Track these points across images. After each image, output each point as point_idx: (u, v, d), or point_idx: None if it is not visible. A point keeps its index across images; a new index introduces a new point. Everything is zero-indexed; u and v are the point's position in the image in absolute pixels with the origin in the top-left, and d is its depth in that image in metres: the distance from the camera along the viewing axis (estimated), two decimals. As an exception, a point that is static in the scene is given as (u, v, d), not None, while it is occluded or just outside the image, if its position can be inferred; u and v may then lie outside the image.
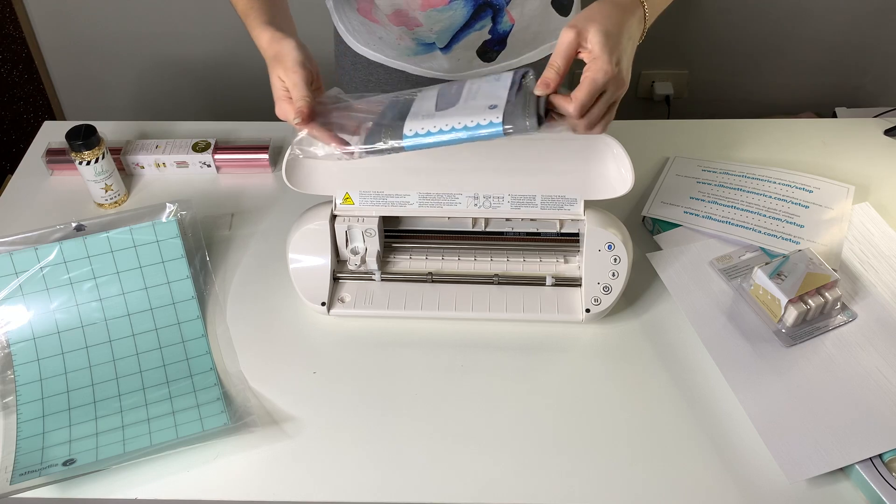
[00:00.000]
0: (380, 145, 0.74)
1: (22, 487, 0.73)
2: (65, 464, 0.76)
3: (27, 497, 0.74)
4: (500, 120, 0.70)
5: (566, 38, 0.71)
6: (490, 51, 1.06)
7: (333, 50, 1.21)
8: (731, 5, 1.93)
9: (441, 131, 0.72)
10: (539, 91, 0.71)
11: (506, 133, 0.70)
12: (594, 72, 0.70)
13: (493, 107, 0.72)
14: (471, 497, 0.74)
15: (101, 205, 1.04)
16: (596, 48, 0.70)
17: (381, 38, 1.08)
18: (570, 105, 0.70)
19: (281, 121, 1.15)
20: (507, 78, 0.75)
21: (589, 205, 0.87)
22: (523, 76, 0.75)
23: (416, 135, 0.73)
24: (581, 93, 0.70)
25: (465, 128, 0.72)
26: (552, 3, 1.06)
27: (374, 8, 1.04)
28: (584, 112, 0.71)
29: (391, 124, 0.75)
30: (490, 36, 1.04)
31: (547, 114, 0.72)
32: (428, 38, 1.05)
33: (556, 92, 0.71)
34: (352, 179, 0.88)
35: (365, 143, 0.74)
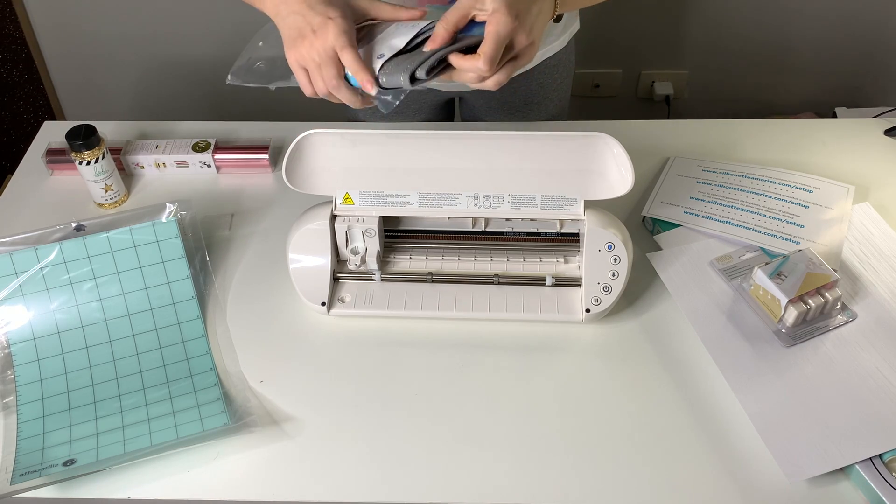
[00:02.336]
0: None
1: (22, 488, 0.73)
2: (65, 464, 0.76)
3: (27, 497, 0.74)
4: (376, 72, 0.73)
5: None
6: None
7: None
8: (730, 5, 1.93)
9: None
10: (428, 45, 0.72)
11: (381, 85, 0.73)
12: (495, 24, 0.71)
13: (380, 56, 0.74)
14: (471, 497, 0.74)
15: (101, 205, 1.04)
16: (494, 3, 0.71)
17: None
18: (478, 61, 0.71)
19: (281, 121, 1.16)
20: (417, 27, 0.75)
21: (589, 205, 0.87)
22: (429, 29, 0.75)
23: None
24: (487, 47, 0.71)
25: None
26: None
27: None
28: (493, 65, 0.72)
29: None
30: None
31: (432, 71, 0.73)
32: None
33: (447, 47, 0.72)
34: (352, 179, 0.88)
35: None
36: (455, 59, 0.74)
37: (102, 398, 0.83)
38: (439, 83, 1.07)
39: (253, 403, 0.81)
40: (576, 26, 1.15)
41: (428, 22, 0.76)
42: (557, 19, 1.08)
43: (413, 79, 0.73)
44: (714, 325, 0.85)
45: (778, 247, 0.92)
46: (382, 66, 0.74)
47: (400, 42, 0.74)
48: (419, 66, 0.73)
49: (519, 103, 1.18)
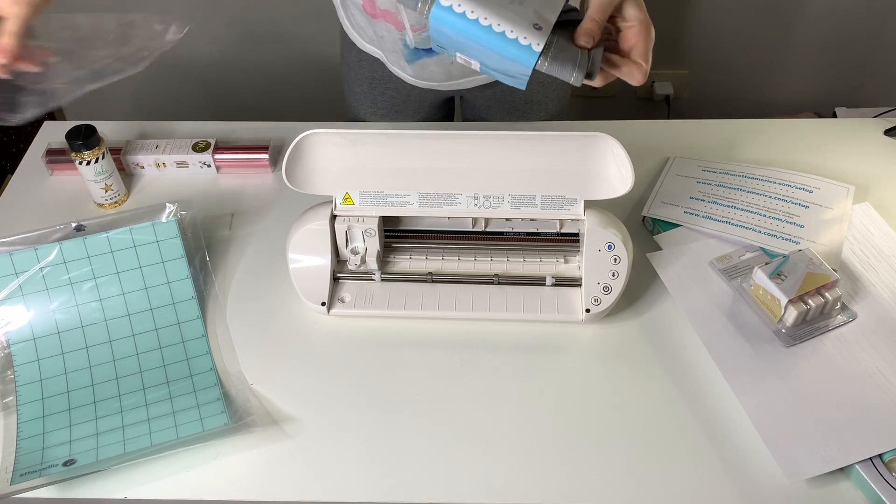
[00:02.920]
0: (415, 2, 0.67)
1: (22, 488, 0.73)
2: (65, 464, 0.76)
3: (27, 497, 0.74)
4: (539, 50, 0.65)
5: (609, 1, 0.70)
6: None
7: (340, 46, 1.21)
8: (731, 5, 1.93)
9: (475, 22, 0.65)
10: (584, 42, 0.68)
11: (537, 68, 0.66)
12: (647, 38, 0.72)
13: (537, 27, 0.65)
14: (471, 497, 0.74)
15: (101, 205, 1.04)
16: (641, 16, 0.72)
17: (382, 36, 1.08)
18: (641, 74, 0.72)
19: (281, 121, 1.16)
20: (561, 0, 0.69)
21: (589, 205, 0.87)
22: (570, 9, 0.70)
23: (451, 10, 0.65)
24: (648, 59, 0.72)
25: (502, 36, 0.65)
26: None
27: (373, 2, 1.04)
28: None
29: None
30: None
31: (590, 73, 0.69)
32: (419, 43, 1.05)
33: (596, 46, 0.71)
34: (352, 179, 0.88)
35: None
36: (622, 63, 0.72)
37: (102, 398, 0.83)
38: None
39: (253, 403, 0.81)
40: None
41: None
42: None
43: (588, 75, 0.69)
44: (714, 325, 0.85)
45: (778, 247, 0.92)
46: (547, 47, 0.66)
47: (553, 17, 0.67)
48: (588, 62, 0.68)
49: (519, 103, 1.18)
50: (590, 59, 0.69)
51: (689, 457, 0.76)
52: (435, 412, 0.81)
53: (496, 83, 1.14)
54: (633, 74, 0.73)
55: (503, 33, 0.66)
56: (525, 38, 0.66)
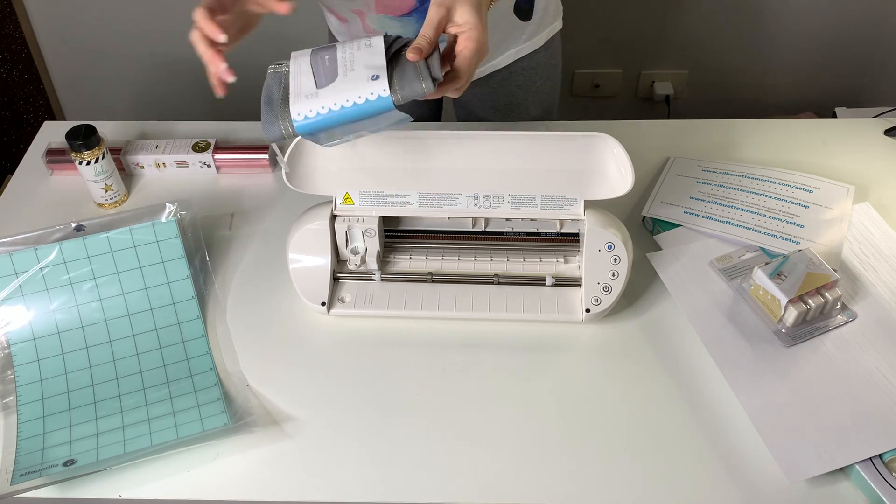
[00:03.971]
0: (279, 134, 0.73)
1: (22, 488, 0.73)
2: (65, 464, 0.76)
3: (28, 497, 0.74)
4: (388, 93, 0.71)
5: (437, 13, 0.74)
6: None
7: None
8: (731, 5, 1.93)
9: (330, 112, 0.72)
10: (413, 56, 0.72)
11: (396, 104, 0.71)
12: (476, 42, 0.74)
13: (375, 77, 0.72)
14: (471, 497, 0.74)
15: (101, 205, 1.04)
16: (471, 19, 0.74)
17: (354, 35, 1.08)
18: (463, 80, 0.75)
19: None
20: (379, 43, 0.75)
21: (589, 205, 0.87)
22: (394, 40, 0.75)
23: (307, 119, 0.72)
24: (472, 64, 0.74)
25: (355, 105, 0.72)
26: (514, 10, 1.05)
27: (338, 3, 1.04)
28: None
29: (280, 111, 0.74)
30: None
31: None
32: None
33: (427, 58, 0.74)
34: (352, 179, 0.88)
35: (266, 133, 0.74)
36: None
37: (102, 398, 0.83)
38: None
39: (253, 403, 0.81)
40: (556, 26, 1.14)
41: (384, 36, 0.76)
42: (525, 17, 1.07)
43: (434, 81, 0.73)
44: (714, 325, 0.85)
45: (778, 247, 0.92)
46: (391, 84, 0.73)
47: (381, 60, 0.73)
48: (428, 70, 0.73)
49: (501, 104, 1.18)
50: (427, 67, 0.73)
51: (689, 457, 0.76)
52: (435, 412, 0.81)
53: (476, 84, 1.14)
54: (452, 83, 0.75)
55: (355, 103, 0.72)
56: (372, 93, 0.72)
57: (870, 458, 0.73)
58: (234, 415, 0.80)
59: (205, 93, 2.34)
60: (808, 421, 0.76)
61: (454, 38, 0.75)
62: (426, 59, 0.73)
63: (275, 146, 0.78)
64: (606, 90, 2.10)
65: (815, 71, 2.05)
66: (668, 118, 2.04)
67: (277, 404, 0.82)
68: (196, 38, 0.79)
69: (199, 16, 0.78)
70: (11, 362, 0.84)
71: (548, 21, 1.12)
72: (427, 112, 1.26)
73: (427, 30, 0.74)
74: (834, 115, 1.87)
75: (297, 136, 0.73)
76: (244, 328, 0.89)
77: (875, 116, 1.16)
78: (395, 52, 0.74)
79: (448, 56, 0.75)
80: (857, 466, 0.72)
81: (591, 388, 0.82)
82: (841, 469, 0.73)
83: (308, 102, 0.73)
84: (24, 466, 0.76)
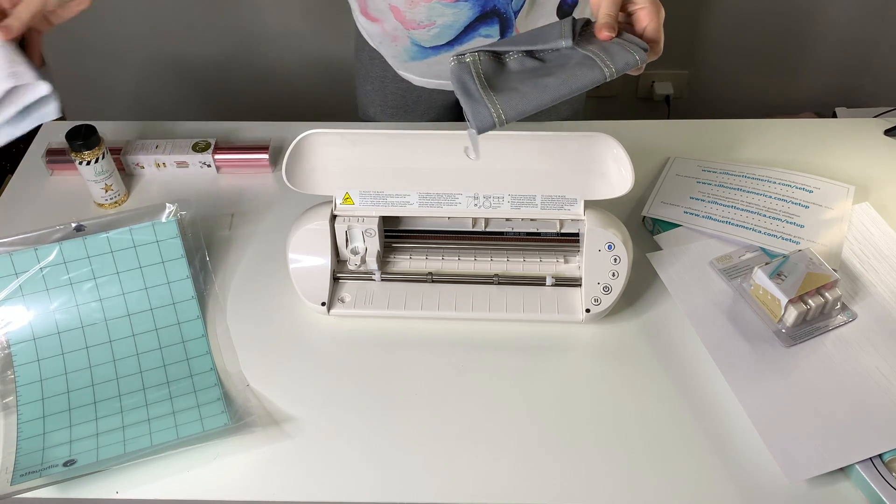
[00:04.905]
0: (490, 122, 0.72)
1: (22, 488, 0.73)
2: (65, 464, 0.76)
3: (28, 497, 0.74)
4: (605, 72, 0.71)
5: None
6: None
7: (354, 43, 1.21)
8: (731, 5, 1.93)
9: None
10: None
11: (609, 79, 0.72)
12: (657, 16, 0.76)
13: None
14: (471, 497, 0.74)
15: (101, 205, 1.04)
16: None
17: (381, 42, 1.08)
18: (654, 52, 0.77)
19: (281, 121, 1.16)
20: (568, 30, 0.74)
21: (589, 205, 0.87)
22: (576, 25, 0.75)
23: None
24: (660, 36, 0.76)
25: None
26: (557, 11, 1.06)
27: (370, 5, 1.03)
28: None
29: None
30: None
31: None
32: (425, 41, 1.04)
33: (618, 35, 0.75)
34: (352, 179, 0.88)
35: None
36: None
37: (103, 398, 0.83)
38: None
39: (253, 403, 0.81)
40: None
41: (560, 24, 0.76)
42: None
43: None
44: (714, 325, 0.85)
45: (778, 247, 0.92)
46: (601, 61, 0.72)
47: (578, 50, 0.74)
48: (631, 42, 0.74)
49: None
50: (628, 40, 0.74)
51: (688, 457, 0.76)
52: (435, 412, 0.81)
53: None
54: (651, 51, 0.76)
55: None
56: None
57: (870, 458, 0.73)
58: (234, 415, 0.80)
59: (205, 93, 2.35)
60: (807, 421, 0.76)
61: (628, 17, 0.76)
62: (618, 35, 0.74)
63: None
64: (606, 90, 2.10)
65: (815, 71, 2.05)
66: (668, 118, 2.04)
67: (277, 404, 0.82)
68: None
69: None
70: (11, 362, 0.84)
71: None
72: (448, 114, 1.26)
73: (611, 8, 0.74)
74: (834, 115, 1.87)
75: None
76: (244, 328, 0.89)
77: (875, 116, 1.16)
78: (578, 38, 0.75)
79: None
80: (857, 466, 0.72)
81: (591, 388, 0.82)
82: (841, 469, 0.73)
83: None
84: (24, 467, 0.76)
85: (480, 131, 0.71)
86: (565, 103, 1.18)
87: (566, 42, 0.73)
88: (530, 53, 0.75)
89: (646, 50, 0.73)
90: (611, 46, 0.73)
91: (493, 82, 0.73)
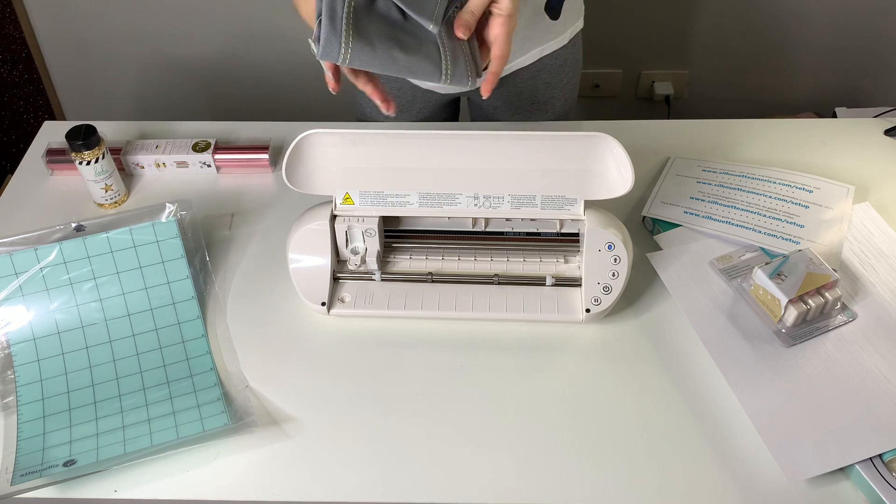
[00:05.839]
0: (336, 56, 0.73)
1: (23, 488, 0.73)
2: (65, 464, 0.76)
3: (28, 497, 0.75)
4: (441, 77, 0.74)
5: None
6: None
7: None
8: (730, 5, 1.93)
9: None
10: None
11: (444, 85, 0.75)
12: (508, 26, 0.76)
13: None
14: (471, 497, 0.74)
15: (101, 205, 1.04)
16: (507, 3, 0.76)
17: None
18: (501, 62, 0.77)
19: (281, 121, 1.16)
20: (438, 23, 0.76)
21: (589, 205, 0.87)
22: (450, 7, 0.76)
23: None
24: (507, 45, 0.77)
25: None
26: (545, 8, 1.06)
27: None
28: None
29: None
30: None
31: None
32: None
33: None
34: (352, 179, 0.88)
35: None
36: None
37: (103, 398, 0.83)
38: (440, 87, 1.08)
39: (253, 403, 0.81)
40: (579, 24, 1.15)
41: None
42: (555, 16, 1.08)
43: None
44: (714, 325, 0.85)
45: (778, 247, 0.92)
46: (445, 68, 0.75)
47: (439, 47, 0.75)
48: (475, 65, 0.76)
49: (525, 103, 1.18)
50: (475, 62, 0.77)
51: (689, 457, 0.76)
52: (435, 412, 0.81)
53: (502, 83, 1.15)
54: (494, 61, 0.77)
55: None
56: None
57: (870, 458, 0.73)
58: (234, 415, 0.80)
59: (205, 93, 2.35)
60: (808, 421, 0.76)
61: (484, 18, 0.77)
62: (472, 52, 0.76)
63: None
64: (606, 90, 2.10)
65: (815, 71, 2.05)
66: (668, 118, 2.04)
67: (277, 404, 0.82)
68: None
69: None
70: (11, 362, 0.84)
71: (573, 19, 1.14)
72: (443, 113, 1.26)
73: (477, 7, 0.75)
74: (834, 115, 1.87)
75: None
76: (244, 328, 0.89)
77: (875, 116, 1.16)
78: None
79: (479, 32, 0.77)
80: (857, 466, 0.72)
81: (591, 387, 0.82)
82: (841, 469, 0.73)
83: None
84: (24, 467, 0.76)
85: (321, 59, 0.74)
86: (559, 99, 1.20)
87: (433, 28, 0.74)
88: (401, 10, 0.76)
89: (479, 76, 0.76)
90: (461, 54, 0.75)
91: (358, 19, 0.74)
